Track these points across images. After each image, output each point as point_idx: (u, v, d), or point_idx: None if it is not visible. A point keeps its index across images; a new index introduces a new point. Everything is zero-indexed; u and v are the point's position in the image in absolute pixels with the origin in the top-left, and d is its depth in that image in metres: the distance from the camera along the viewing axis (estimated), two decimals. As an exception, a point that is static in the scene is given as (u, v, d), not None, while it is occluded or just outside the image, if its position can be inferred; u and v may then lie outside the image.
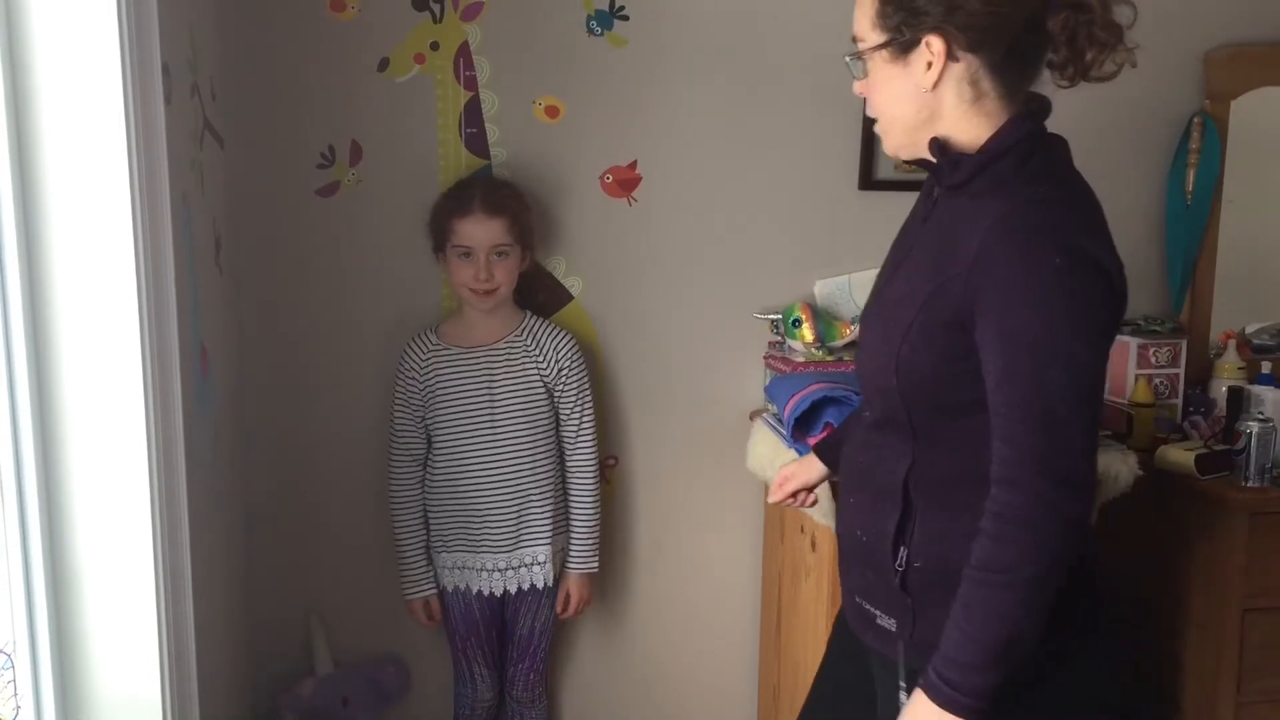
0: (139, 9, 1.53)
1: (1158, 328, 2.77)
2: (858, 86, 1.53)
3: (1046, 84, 1.50)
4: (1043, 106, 1.50)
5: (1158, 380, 2.74)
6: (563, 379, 2.46)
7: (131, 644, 1.58)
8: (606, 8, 2.52)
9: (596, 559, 2.55)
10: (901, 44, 1.43)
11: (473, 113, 2.51)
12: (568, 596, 2.53)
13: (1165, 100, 2.79)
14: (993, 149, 1.43)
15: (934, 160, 1.48)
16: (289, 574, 2.60)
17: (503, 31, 2.49)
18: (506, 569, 2.45)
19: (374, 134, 2.49)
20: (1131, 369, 2.73)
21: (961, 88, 1.44)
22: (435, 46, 2.48)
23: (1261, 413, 2.51)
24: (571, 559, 2.52)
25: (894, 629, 1.52)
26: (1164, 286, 2.86)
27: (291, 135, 2.46)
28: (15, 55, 1.42)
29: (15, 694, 1.52)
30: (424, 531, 2.47)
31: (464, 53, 2.49)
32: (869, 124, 2.60)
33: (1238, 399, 2.63)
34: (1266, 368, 2.68)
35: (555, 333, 2.49)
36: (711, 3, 2.54)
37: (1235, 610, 2.44)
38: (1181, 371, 2.75)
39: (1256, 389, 2.64)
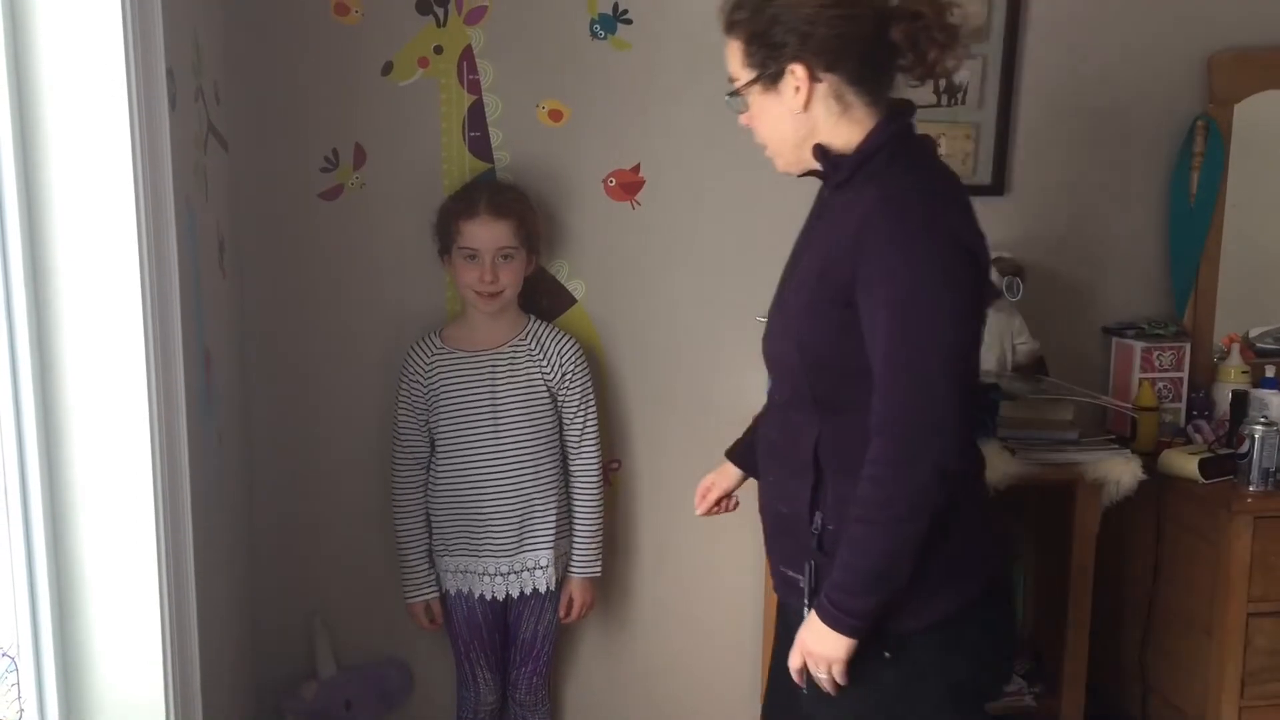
0: (143, 14, 1.54)
1: (1161, 331, 2.77)
2: (742, 119, 1.71)
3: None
4: (907, 108, 1.67)
5: (1161, 384, 2.74)
6: (566, 383, 2.47)
7: (134, 647, 1.59)
8: (610, 11, 2.52)
9: (599, 563, 2.55)
10: (769, 76, 1.62)
11: (476, 116, 2.51)
12: (570, 601, 2.52)
13: (1169, 103, 2.79)
14: (867, 149, 1.62)
15: (820, 167, 1.66)
16: (292, 577, 2.60)
17: (506, 35, 2.49)
18: (509, 573, 2.45)
19: (377, 137, 2.49)
20: (1135, 373, 2.73)
21: (829, 103, 1.62)
22: (439, 50, 2.48)
23: (1265, 417, 2.51)
24: (574, 563, 2.52)
25: (806, 582, 1.68)
26: (1167, 290, 2.86)
27: (295, 139, 2.46)
28: (20, 60, 1.43)
29: (19, 697, 1.52)
30: (426, 534, 2.47)
31: (467, 56, 2.49)
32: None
33: (1241, 403, 2.63)
34: (1270, 371, 2.67)
35: (559, 336, 2.49)
36: (714, 6, 2.53)
37: (1239, 614, 2.45)
38: (1185, 375, 2.76)
39: (1260, 393, 2.64)
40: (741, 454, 2.00)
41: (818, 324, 1.62)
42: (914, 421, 1.52)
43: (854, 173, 1.62)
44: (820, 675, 1.62)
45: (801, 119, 1.63)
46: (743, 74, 1.66)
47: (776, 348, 1.73)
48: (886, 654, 1.62)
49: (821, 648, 1.61)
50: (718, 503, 2.05)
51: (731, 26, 1.66)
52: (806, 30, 1.57)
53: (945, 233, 1.55)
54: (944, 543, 1.57)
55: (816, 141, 1.64)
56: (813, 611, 1.62)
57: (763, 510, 1.82)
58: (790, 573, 1.73)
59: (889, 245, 1.53)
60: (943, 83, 2.66)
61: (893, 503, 1.53)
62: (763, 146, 1.72)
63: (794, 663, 1.66)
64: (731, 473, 2.03)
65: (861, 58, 1.60)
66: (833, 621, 1.58)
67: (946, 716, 1.68)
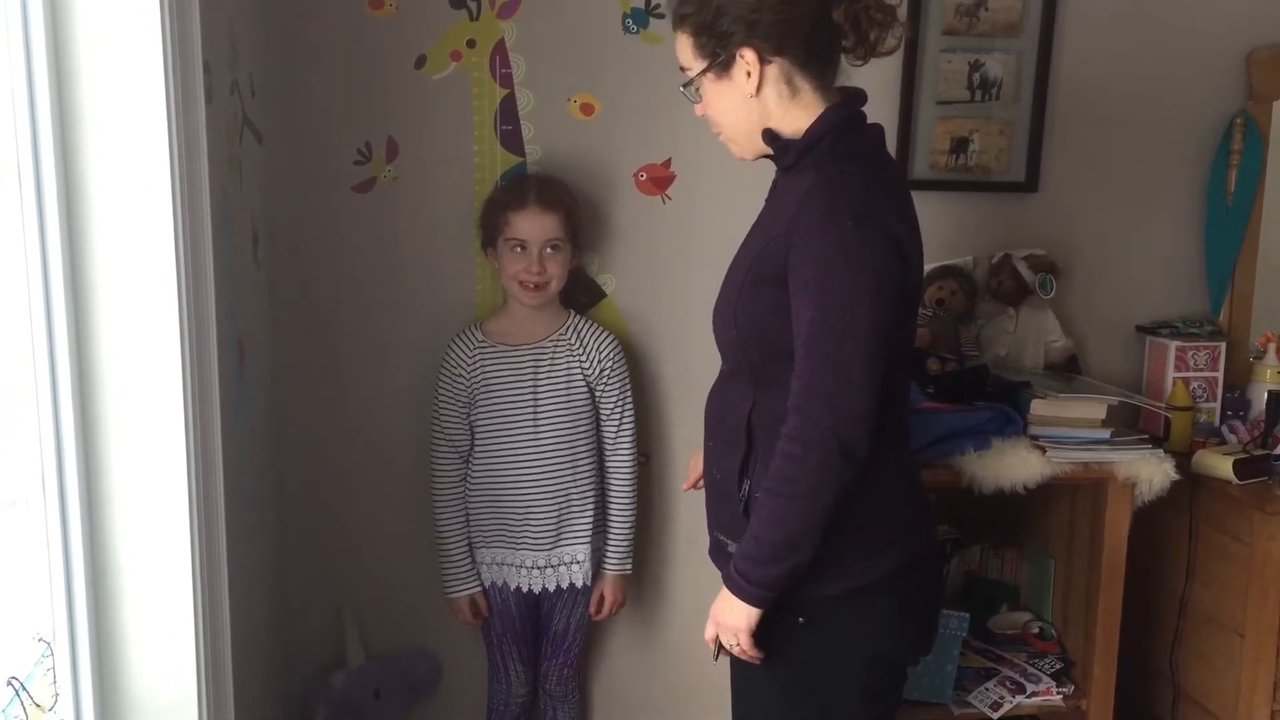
0: (180, 7, 1.55)
1: (1196, 330, 2.75)
2: (698, 110, 1.77)
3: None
4: (857, 97, 1.73)
5: (1195, 384, 2.71)
6: (605, 378, 2.47)
7: (168, 635, 1.60)
8: (642, 5, 2.52)
9: (631, 560, 2.56)
10: (721, 63, 1.68)
11: (508, 110, 2.52)
12: (601, 598, 2.53)
13: (1207, 101, 2.76)
14: (813, 134, 1.68)
15: (770, 151, 1.72)
16: (322, 567, 2.62)
17: (539, 29, 2.49)
18: (545, 567, 2.46)
19: (410, 131, 2.50)
20: (1169, 372, 2.71)
21: (780, 87, 1.68)
22: (472, 44, 2.48)
23: (1301, 418, 2.48)
24: (607, 560, 2.53)
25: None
26: (1203, 288, 2.83)
27: (329, 132, 2.48)
28: (60, 52, 1.44)
29: (54, 682, 1.54)
30: (467, 528, 2.48)
31: (500, 50, 2.50)
32: (905, 123, 2.63)
33: (1277, 403, 2.60)
34: (1307, 371, 2.65)
35: (599, 332, 2.50)
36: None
37: (1272, 617, 2.42)
38: (1220, 375, 2.73)
39: (1296, 393, 2.61)
40: None
41: (753, 301, 1.68)
42: (824, 402, 1.57)
43: (800, 157, 1.68)
44: (730, 643, 1.69)
45: (754, 103, 1.69)
46: (694, 64, 1.72)
47: (719, 321, 1.79)
48: (801, 620, 1.68)
49: (728, 617, 1.67)
50: (697, 483, 2.10)
51: (680, 20, 1.71)
52: (752, 18, 1.64)
53: (873, 221, 1.59)
54: (858, 517, 1.63)
55: (767, 126, 1.70)
56: (724, 582, 1.69)
57: (703, 476, 1.91)
58: (723, 537, 1.80)
59: (817, 229, 1.59)
60: (977, 78, 2.66)
61: (800, 478, 1.58)
62: (718, 134, 1.78)
63: (708, 632, 1.73)
64: None
65: (807, 40, 1.66)
66: (738, 590, 1.64)
67: (860, 686, 1.73)
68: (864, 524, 1.65)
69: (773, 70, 1.67)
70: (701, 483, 2.08)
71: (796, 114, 1.69)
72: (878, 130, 1.74)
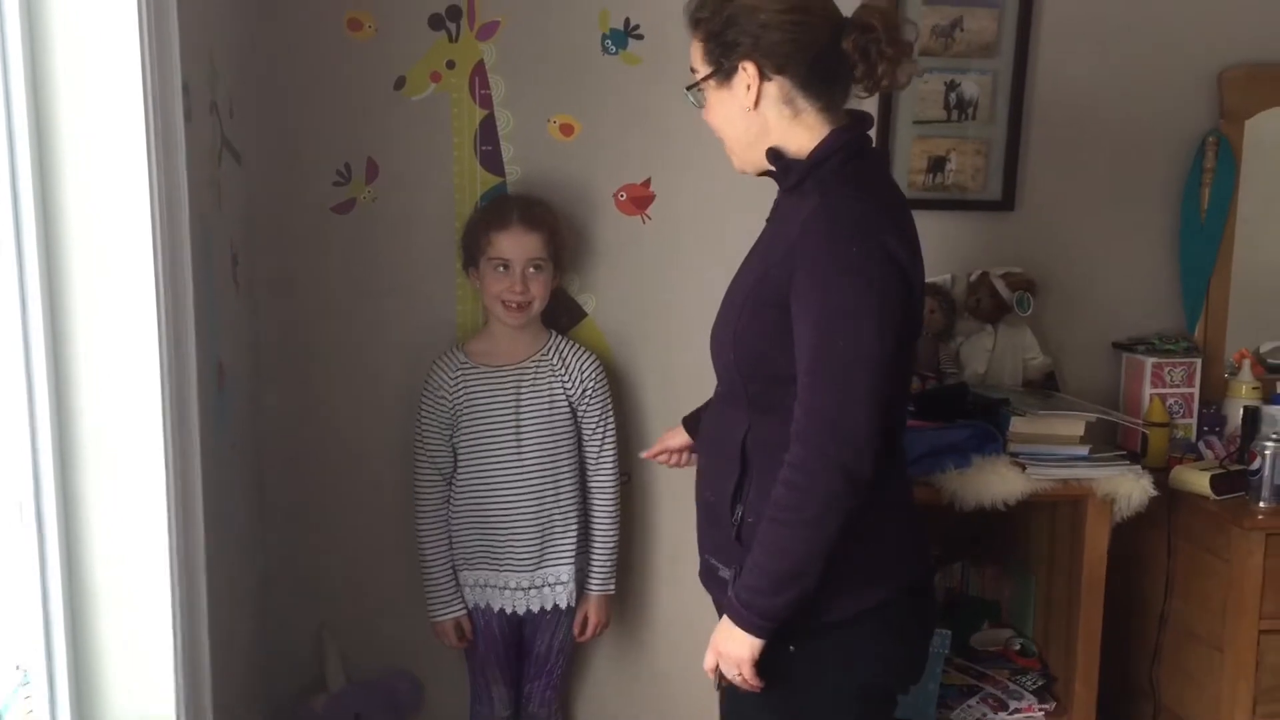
0: (160, 28, 1.54)
1: (1172, 347, 2.77)
2: (703, 115, 1.78)
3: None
4: (863, 120, 1.72)
5: (1172, 400, 2.73)
6: (587, 398, 2.47)
7: (146, 660, 1.58)
8: (621, 26, 2.53)
9: (614, 581, 2.55)
10: (724, 72, 1.69)
11: (488, 130, 2.52)
12: (585, 619, 2.53)
13: (1179, 119, 2.79)
14: (818, 156, 1.66)
15: (773, 169, 1.71)
16: (301, 589, 2.60)
17: (518, 50, 2.50)
18: (529, 588, 2.45)
19: (390, 152, 2.50)
20: (1146, 388, 2.73)
21: (780, 107, 1.68)
22: (451, 65, 2.49)
23: (1277, 433, 2.50)
24: (591, 580, 2.52)
25: (729, 578, 1.69)
26: (1178, 305, 2.86)
27: (308, 152, 2.47)
28: (38, 72, 1.43)
29: (32, 711, 1.52)
30: (451, 550, 2.46)
31: (479, 71, 2.50)
32: (882, 142, 2.65)
33: (1253, 419, 2.62)
34: (1281, 387, 2.67)
35: (580, 352, 2.50)
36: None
37: (1251, 632, 2.43)
38: (1196, 391, 2.75)
39: (1272, 409, 2.64)
40: (691, 423, 2.12)
41: (752, 325, 1.67)
42: (829, 429, 1.55)
43: (803, 179, 1.66)
44: (732, 674, 1.67)
45: (752, 117, 1.69)
46: (702, 69, 1.73)
47: (716, 343, 1.78)
48: (791, 647, 1.65)
49: (729, 647, 1.64)
50: (663, 453, 2.19)
51: (695, 25, 1.73)
52: (759, 33, 1.64)
53: (879, 247, 1.57)
54: (855, 545, 1.60)
55: (771, 144, 1.70)
56: (724, 612, 1.67)
57: (696, 498, 1.87)
58: (714, 561, 1.78)
59: (822, 254, 1.57)
60: (953, 97, 2.68)
61: (804, 506, 1.56)
62: (720, 143, 1.78)
63: (708, 662, 1.70)
64: (682, 434, 2.16)
65: (811, 64, 1.65)
66: (740, 620, 1.62)
67: (852, 714, 1.72)
68: (859, 551, 1.62)
69: (772, 88, 1.67)
70: (667, 460, 2.16)
71: (799, 133, 1.68)
72: (882, 154, 1.75)
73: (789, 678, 1.68)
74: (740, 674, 1.65)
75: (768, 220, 1.80)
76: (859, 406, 1.54)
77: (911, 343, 1.71)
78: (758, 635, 1.61)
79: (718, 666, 1.69)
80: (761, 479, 1.66)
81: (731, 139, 1.75)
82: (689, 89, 1.77)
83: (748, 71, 1.66)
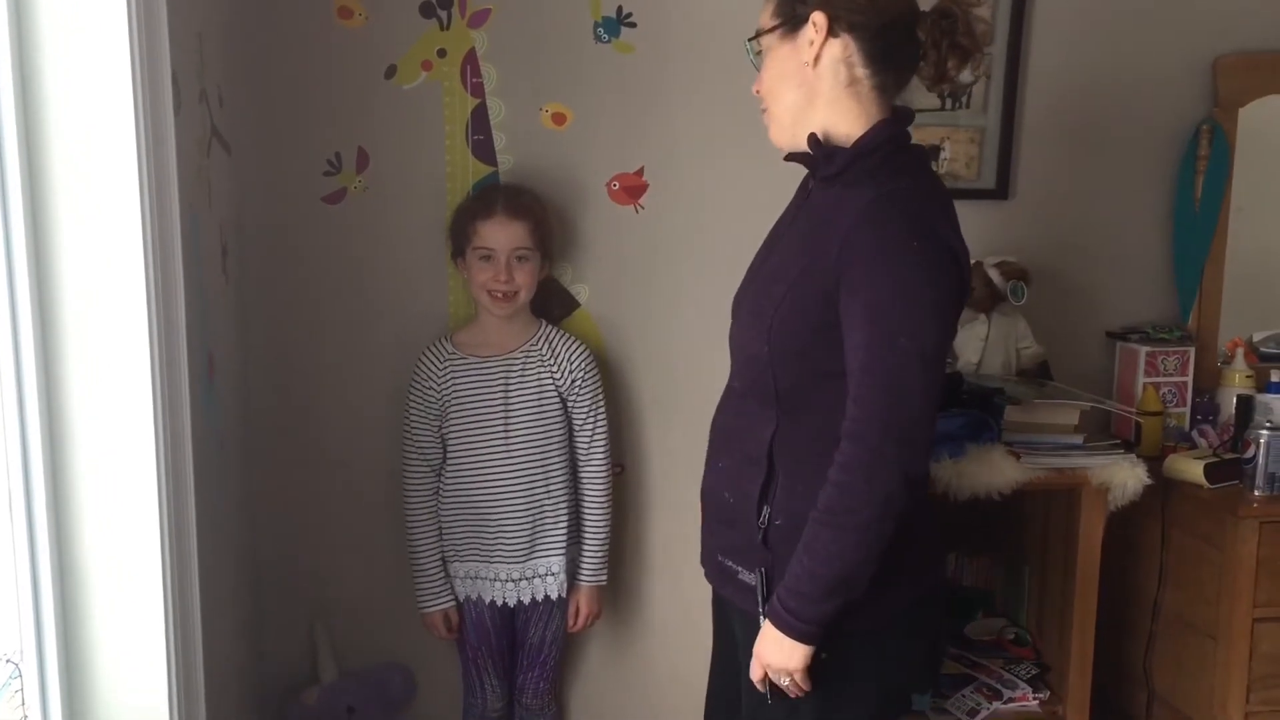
0: (149, 17, 1.53)
1: (1166, 335, 2.77)
2: (756, 86, 1.72)
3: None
4: (907, 115, 1.68)
5: (1165, 388, 2.73)
6: (576, 388, 2.46)
7: (138, 653, 1.57)
8: (614, 14, 2.52)
9: (606, 571, 2.54)
10: (793, 22, 1.62)
11: (480, 119, 2.51)
12: (577, 610, 2.52)
13: (1173, 107, 2.79)
14: (865, 145, 1.60)
15: (812, 154, 1.65)
16: (294, 581, 2.59)
17: (510, 38, 2.49)
18: (520, 579, 2.44)
19: (381, 141, 2.49)
20: (1139, 377, 2.73)
21: (838, 68, 1.61)
22: (442, 53, 2.47)
23: (1270, 421, 2.51)
24: (583, 571, 2.51)
25: (755, 584, 1.66)
26: (1172, 294, 2.86)
27: (298, 142, 2.46)
28: (25, 63, 1.42)
29: (23, 704, 1.51)
30: (440, 542, 2.45)
31: (471, 60, 2.49)
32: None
33: (1246, 407, 2.63)
34: (1275, 376, 2.67)
35: (570, 341, 2.49)
36: (718, 9, 2.53)
37: (1245, 620, 2.44)
38: (1190, 380, 2.75)
39: (1265, 397, 2.64)
40: None
41: (793, 319, 1.61)
42: (887, 429, 1.50)
43: (846, 168, 1.60)
44: (784, 683, 1.62)
45: (807, 76, 1.62)
46: (769, 23, 1.67)
47: (744, 336, 1.71)
48: (823, 655, 1.60)
49: (778, 658, 1.60)
50: None
51: None
52: None
53: (935, 242, 1.54)
54: (895, 545, 1.56)
55: (816, 117, 1.64)
56: (767, 620, 1.61)
57: (706, 495, 1.81)
58: (730, 563, 1.73)
59: (878, 250, 1.52)
60: (946, 86, 2.66)
61: (859, 509, 1.52)
62: (763, 110, 1.72)
63: (754, 673, 1.65)
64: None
65: (881, 31, 1.60)
66: (788, 628, 1.57)
67: (871, 716, 1.70)
68: (896, 552, 1.56)
69: (836, 46, 1.60)
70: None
71: (848, 108, 1.62)
72: (924, 150, 1.71)
73: (819, 682, 1.63)
74: (790, 681, 1.61)
75: (795, 206, 1.75)
76: (916, 407, 1.51)
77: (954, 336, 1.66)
78: (808, 643, 1.57)
79: (765, 677, 1.64)
80: (789, 480, 1.62)
81: (780, 102, 1.67)
82: (749, 40, 1.71)
83: (816, 25, 1.60)
